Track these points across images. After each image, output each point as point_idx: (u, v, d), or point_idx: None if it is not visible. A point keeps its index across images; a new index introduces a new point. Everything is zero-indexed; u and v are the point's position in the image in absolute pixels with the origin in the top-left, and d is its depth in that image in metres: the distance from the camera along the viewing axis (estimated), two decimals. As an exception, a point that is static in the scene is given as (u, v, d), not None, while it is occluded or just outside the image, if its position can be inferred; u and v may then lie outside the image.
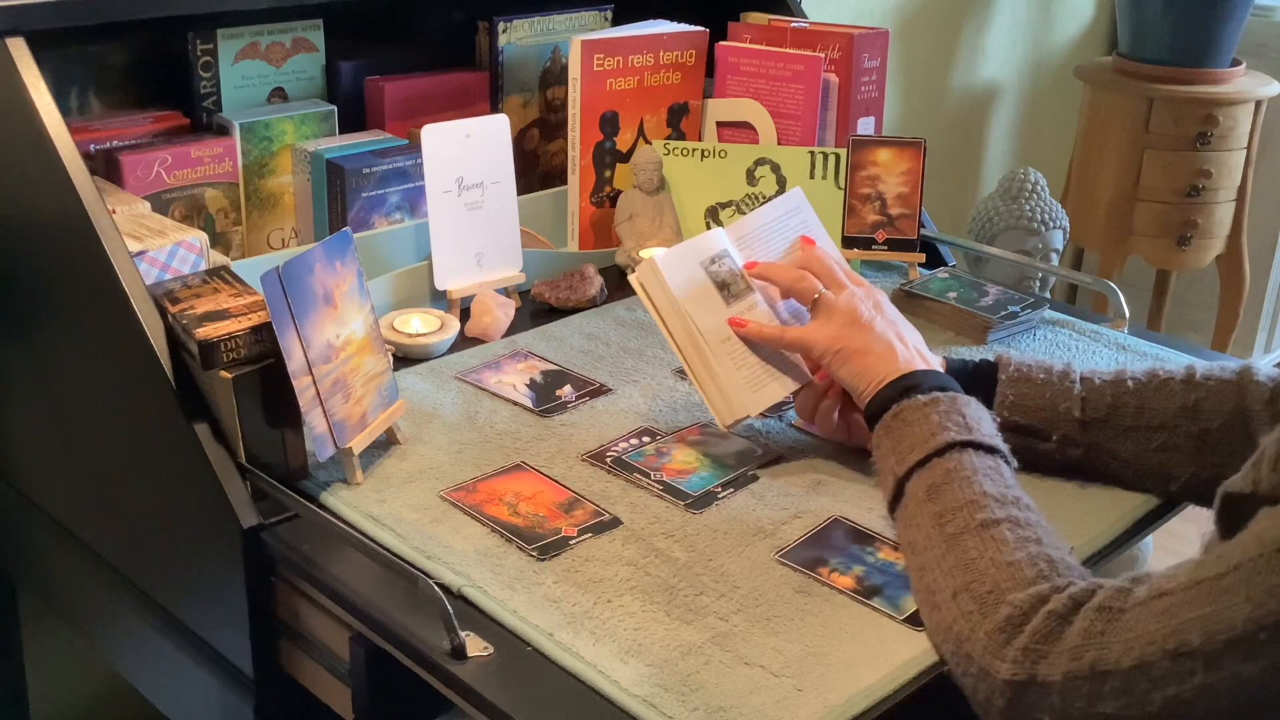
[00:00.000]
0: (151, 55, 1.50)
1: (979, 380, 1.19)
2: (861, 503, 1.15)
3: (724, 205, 1.64)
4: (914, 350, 1.15)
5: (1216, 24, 2.76)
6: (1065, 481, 1.18)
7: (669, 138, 1.71)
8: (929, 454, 1.04)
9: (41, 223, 1.27)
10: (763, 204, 1.43)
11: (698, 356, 1.20)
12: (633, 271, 1.59)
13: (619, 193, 1.67)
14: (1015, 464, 1.07)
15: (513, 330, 1.46)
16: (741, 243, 1.26)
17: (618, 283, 1.60)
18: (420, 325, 1.40)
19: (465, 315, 1.47)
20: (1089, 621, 0.86)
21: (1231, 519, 0.87)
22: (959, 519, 0.98)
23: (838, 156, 1.64)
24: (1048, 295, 2.33)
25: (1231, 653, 0.79)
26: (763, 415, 1.29)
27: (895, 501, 1.07)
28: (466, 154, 1.47)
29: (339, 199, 1.48)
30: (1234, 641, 0.79)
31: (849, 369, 1.15)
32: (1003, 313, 1.49)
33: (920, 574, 0.99)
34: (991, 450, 1.05)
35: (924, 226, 1.67)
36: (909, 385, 1.10)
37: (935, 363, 1.16)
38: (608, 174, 1.68)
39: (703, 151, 1.65)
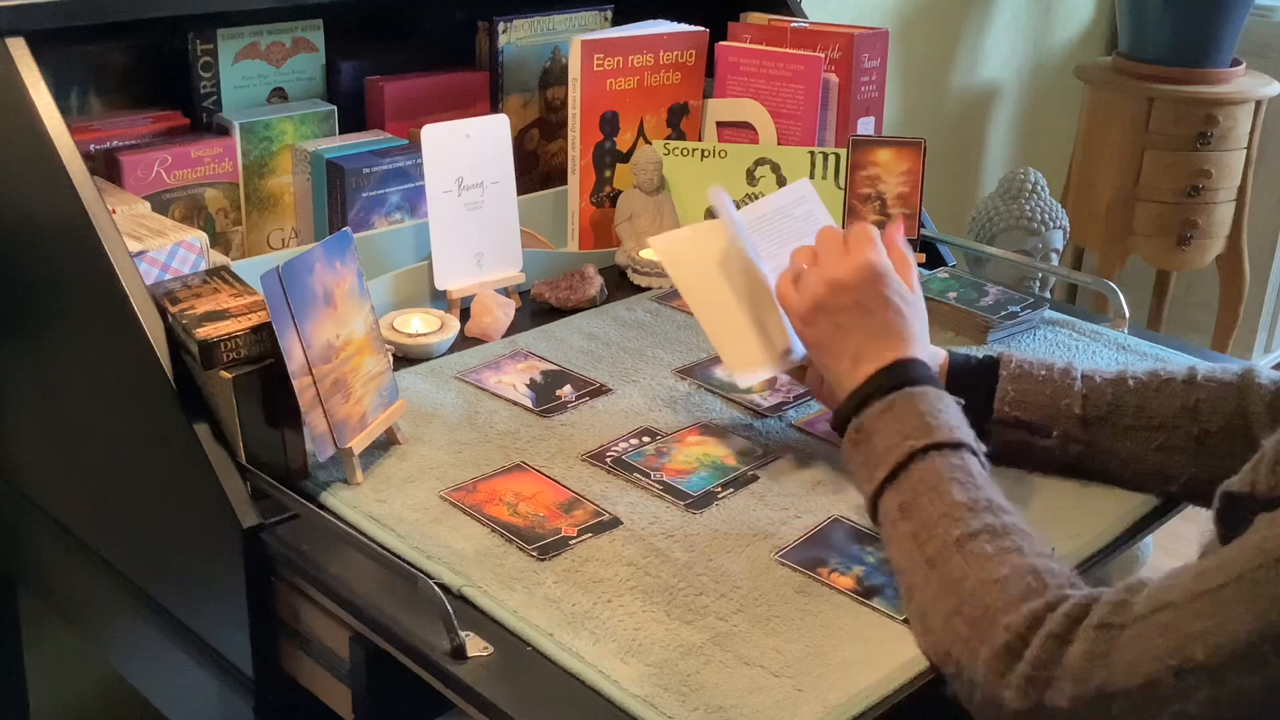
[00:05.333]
0: (151, 55, 1.50)
1: (980, 377, 1.19)
2: (861, 503, 1.15)
3: (724, 205, 1.64)
4: (883, 343, 1.11)
5: (1216, 24, 2.76)
6: (1065, 481, 1.18)
7: (669, 138, 1.71)
8: (893, 469, 1.02)
9: (41, 223, 1.27)
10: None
11: (739, 300, 1.20)
12: (634, 271, 1.60)
13: (619, 193, 1.67)
14: (984, 448, 1.05)
15: (513, 330, 1.46)
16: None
17: (618, 283, 1.60)
18: (420, 325, 1.40)
19: (465, 315, 1.47)
20: (1091, 643, 0.85)
21: (1230, 520, 0.87)
22: (936, 537, 0.96)
23: (838, 156, 1.64)
24: (1048, 295, 2.33)
25: (1235, 666, 0.79)
26: (762, 415, 1.29)
27: (876, 519, 1.06)
28: (466, 154, 1.47)
29: (339, 199, 1.48)
30: (1237, 655, 0.79)
31: (820, 362, 1.15)
32: (1003, 313, 1.49)
33: (909, 594, 0.98)
34: (956, 445, 1.02)
35: (924, 226, 1.68)
36: (868, 394, 1.08)
37: (918, 347, 1.11)
38: (608, 174, 1.68)
39: (703, 151, 1.65)
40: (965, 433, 1.05)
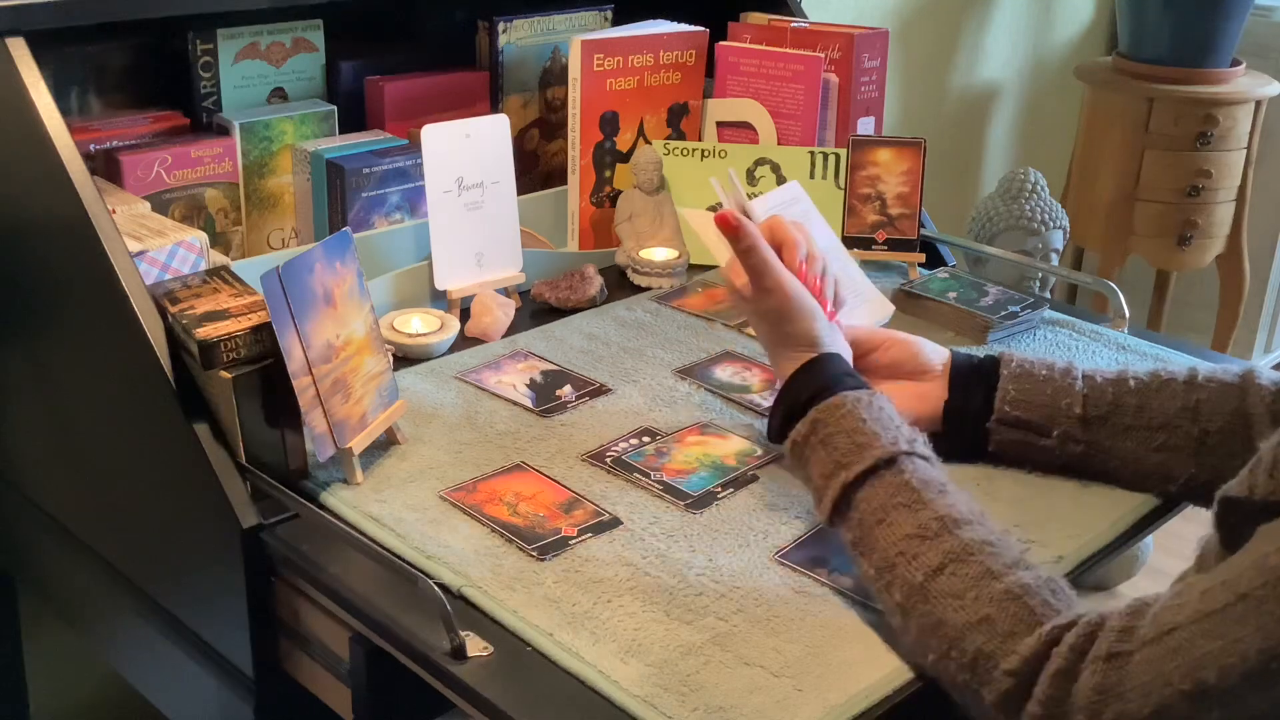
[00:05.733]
0: (151, 55, 1.50)
1: (982, 376, 1.19)
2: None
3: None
4: (780, 354, 1.14)
5: (1216, 24, 2.76)
6: (1065, 481, 1.18)
7: (669, 138, 1.71)
8: (835, 505, 1.01)
9: (41, 223, 1.27)
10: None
11: None
12: (634, 271, 1.60)
13: (619, 193, 1.67)
14: (923, 439, 1.03)
15: (513, 330, 1.46)
16: None
17: (618, 283, 1.60)
18: (420, 325, 1.40)
19: (465, 315, 1.47)
20: (1101, 675, 0.83)
21: (1229, 524, 0.86)
22: (899, 579, 0.94)
23: (838, 156, 1.64)
24: (1048, 295, 2.34)
25: (1246, 686, 0.79)
26: (762, 415, 1.29)
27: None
28: (466, 154, 1.47)
29: (339, 199, 1.48)
30: (1248, 675, 0.78)
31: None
32: (1003, 313, 1.49)
33: (894, 629, 0.96)
34: (890, 460, 1.00)
35: (924, 226, 1.67)
36: (786, 412, 1.09)
37: (819, 340, 1.12)
38: (608, 174, 1.68)
39: (703, 151, 1.65)
40: (895, 436, 1.02)
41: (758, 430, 1.27)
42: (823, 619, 0.99)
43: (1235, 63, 2.84)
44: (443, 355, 1.40)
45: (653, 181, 1.62)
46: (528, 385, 1.33)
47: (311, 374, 1.11)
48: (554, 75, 1.77)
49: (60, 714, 1.82)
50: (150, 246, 1.24)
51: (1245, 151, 2.83)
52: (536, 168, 1.80)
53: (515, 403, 1.30)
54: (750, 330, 1.43)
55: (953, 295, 1.53)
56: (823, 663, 0.94)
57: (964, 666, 0.89)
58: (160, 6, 1.36)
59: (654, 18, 1.72)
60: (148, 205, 1.36)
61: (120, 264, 1.16)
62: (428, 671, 0.95)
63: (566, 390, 1.33)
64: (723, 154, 1.65)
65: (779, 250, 1.17)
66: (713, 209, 1.64)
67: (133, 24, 1.38)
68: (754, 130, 1.71)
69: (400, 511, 1.11)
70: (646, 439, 1.24)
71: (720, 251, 1.23)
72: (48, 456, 1.40)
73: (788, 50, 1.70)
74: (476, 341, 1.44)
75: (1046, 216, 2.47)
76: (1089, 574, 1.09)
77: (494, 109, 1.71)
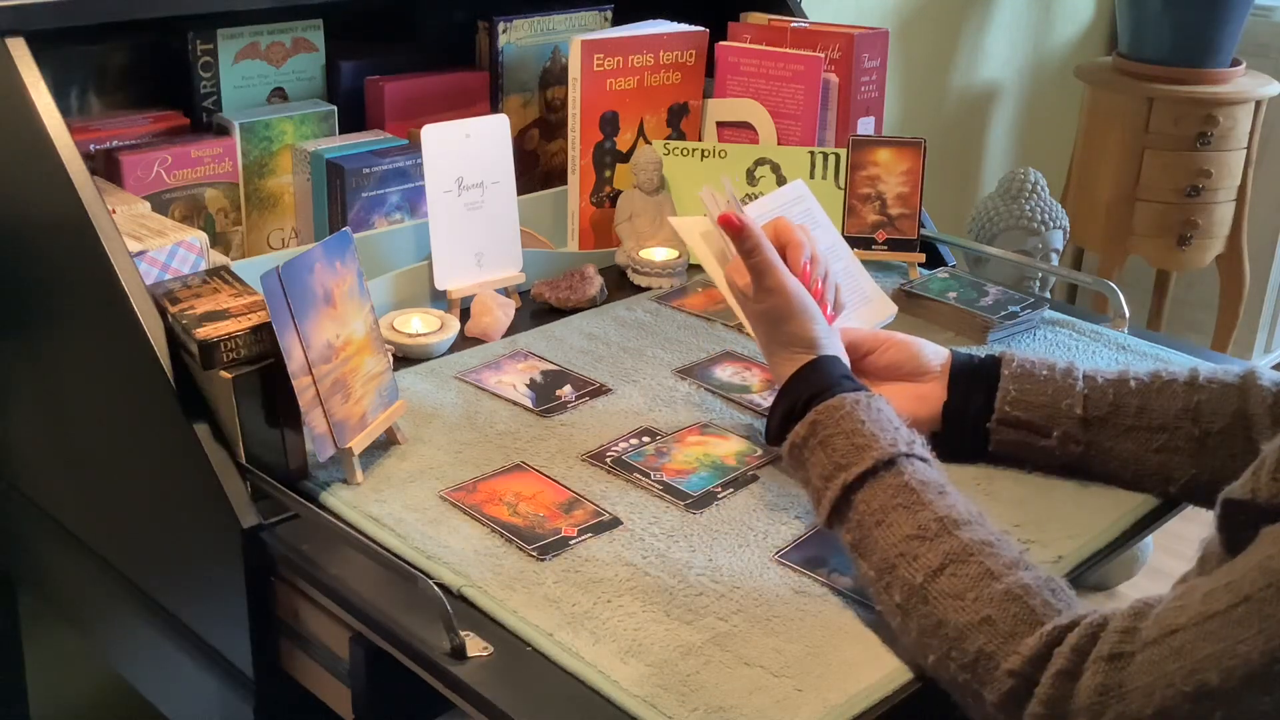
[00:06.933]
0: (151, 55, 1.50)
1: (982, 376, 1.19)
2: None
3: (724, 205, 1.64)
4: (780, 354, 1.13)
5: (1216, 24, 2.76)
6: (1065, 481, 1.18)
7: (669, 138, 1.71)
8: (834, 506, 1.01)
9: (41, 223, 1.27)
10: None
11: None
12: (634, 271, 1.60)
13: (619, 193, 1.67)
14: (921, 440, 1.03)
15: (513, 330, 1.46)
16: None
17: (618, 283, 1.60)
18: (420, 325, 1.40)
19: (465, 315, 1.47)
20: (1104, 676, 0.83)
21: (1232, 526, 0.86)
22: (899, 580, 0.94)
23: (838, 156, 1.64)
24: (1048, 295, 2.34)
25: (1249, 688, 0.79)
26: (762, 415, 1.29)
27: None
28: (466, 154, 1.47)
29: (339, 199, 1.48)
30: (1251, 676, 0.78)
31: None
32: (1003, 313, 1.49)
33: (895, 630, 0.96)
34: (889, 462, 1.00)
35: (924, 226, 1.67)
36: (785, 413, 1.09)
37: (817, 343, 1.12)
38: (608, 174, 1.68)
39: (703, 151, 1.65)
40: (894, 437, 1.02)
41: (757, 430, 1.27)
42: (823, 619, 0.99)
43: (1235, 63, 2.84)
44: (443, 355, 1.40)
45: (653, 181, 1.62)
46: (528, 385, 1.33)
47: (311, 374, 1.11)
48: (554, 75, 1.77)
49: (60, 714, 1.82)
50: (150, 246, 1.24)
51: (1245, 151, 2.83)
52: (536, 168, 1.80)
53: (515, 403, 1.30)
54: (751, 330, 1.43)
55: (953, 295, 1.53)
56: (823, 663, 0.94)
57: (965, 667, 0.89)
58: (160, 6, 1.36)
59: (654, 18, 1.72)
60: (148, 205, 1.36)
61: (120, 264, 1.16)
62: (428, 671, 0.95)
63: (566, 390, 1.33)
64: (723, 154, 1.65)
65: (784, 252, 1.17)
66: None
67: (133, 24, 1.38)
68: (754, 130, 1.71)
69: (400, 511, 1.11)
70: (646, 439, 1.24)
71: (709, 262, 1.23)
72: (48, 456, 1.40)
73: (788, 50, 1.70)
74: (476, 341, 1.44)
75: (1046, 216, 2.47)
76: (1089, 574, 1.09)
77: (494, 109, 1.71)
